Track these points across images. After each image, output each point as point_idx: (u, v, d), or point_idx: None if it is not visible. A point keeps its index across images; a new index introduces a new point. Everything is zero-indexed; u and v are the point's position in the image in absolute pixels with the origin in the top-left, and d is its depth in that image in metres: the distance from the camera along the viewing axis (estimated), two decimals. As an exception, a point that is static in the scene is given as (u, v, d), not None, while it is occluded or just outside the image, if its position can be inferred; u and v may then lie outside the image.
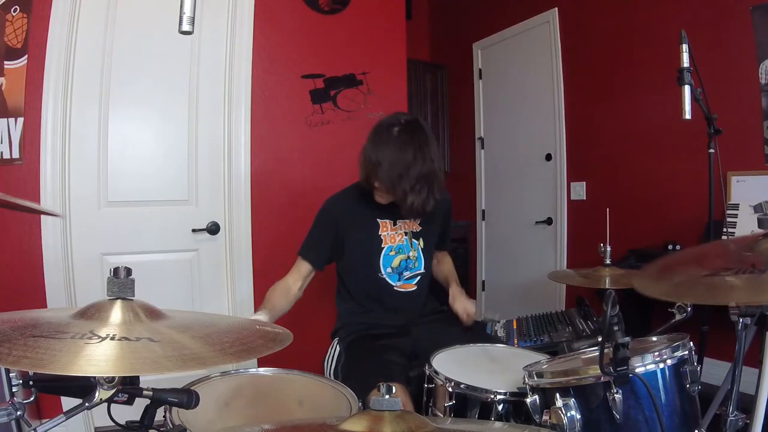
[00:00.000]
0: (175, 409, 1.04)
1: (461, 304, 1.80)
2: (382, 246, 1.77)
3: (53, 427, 0.76)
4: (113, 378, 0.77)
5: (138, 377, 0.78)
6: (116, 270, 0.82)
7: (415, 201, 1.62)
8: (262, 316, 1.55)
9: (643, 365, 1.00)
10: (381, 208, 1.77)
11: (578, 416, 1.00)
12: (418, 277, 1.81)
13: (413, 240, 1.81)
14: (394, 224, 1.79)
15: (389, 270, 1.77)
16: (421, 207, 1.64)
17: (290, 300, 1.74)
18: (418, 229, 1.83)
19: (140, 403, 0.81)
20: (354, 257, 1.80)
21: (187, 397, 0.84)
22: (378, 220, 1.78)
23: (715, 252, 1.19)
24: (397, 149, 1.61)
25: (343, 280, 1.88)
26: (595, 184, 3.50)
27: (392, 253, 1.78)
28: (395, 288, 1.78)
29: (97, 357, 0.67)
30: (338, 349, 1.76)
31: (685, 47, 1.79)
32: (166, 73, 2.41)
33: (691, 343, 1.08)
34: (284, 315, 2.42)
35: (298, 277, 1.77)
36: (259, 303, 2.53)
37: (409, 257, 1.80)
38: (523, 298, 3.98)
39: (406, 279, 1.80)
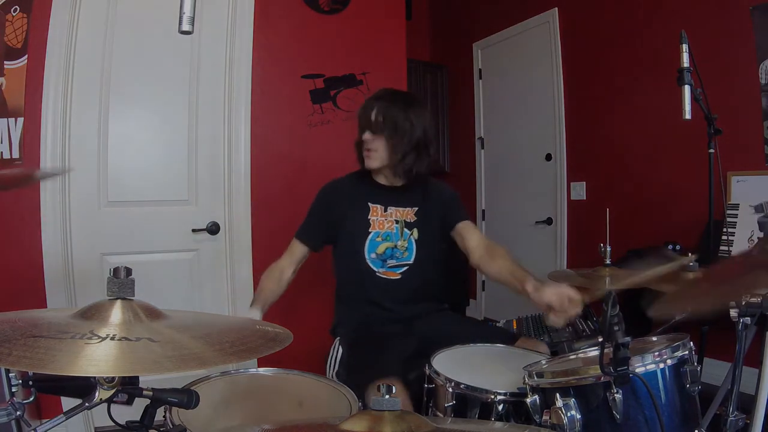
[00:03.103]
0: (175, 409, 1.04)
1: (549, 293, 1.32)
2: (369, 230, 1.76)
3: (53, 427, 0.76)
4: (113, 378, 0.77)
5: (138, 377, 0.78)
6: (116, 270, 0.82)
7: (405, 151, 1.70)
8: (255, 314, 1.60)
9: (643, 365, 1.00)
10: (374, 192, 1.78)
11: (578, 416, 1.00)
12: (405, 268, 1.78)
13: (405, 229, 1.79)
14: (385, 210, 1.78)
15: (373, 255, 1.76)
16: (410, 163, 1.72)
17: (283, 285, 1.77)
18: (413, 219, 1.80)
19: (140, 403, 0.81)
20: (344, 240, 1.81)
21: (187, 397, 0.84)
22: (369, 204, 1.78)
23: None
24: (390, 95, 1.77)
25: (335, 267, 1.89)
26: (595, 184, 3.50)
27: (378, 239, 1.76)
28: (377, 274, 1.76)
29: (97, 357, 0.67)
30: (340, 349, 1.76)
31: (685, 47, 1.79)
32: (166, 73, 2.41)
33: (691, 343, 1.08)
34: (284, 314, 2.44)
35: (291, 260, 1.79)
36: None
37: (396, 246, 1.77)
38: (524, 298, 3.97)
39: (389, 267, 1.77)
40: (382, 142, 1.71)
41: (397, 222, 1.79)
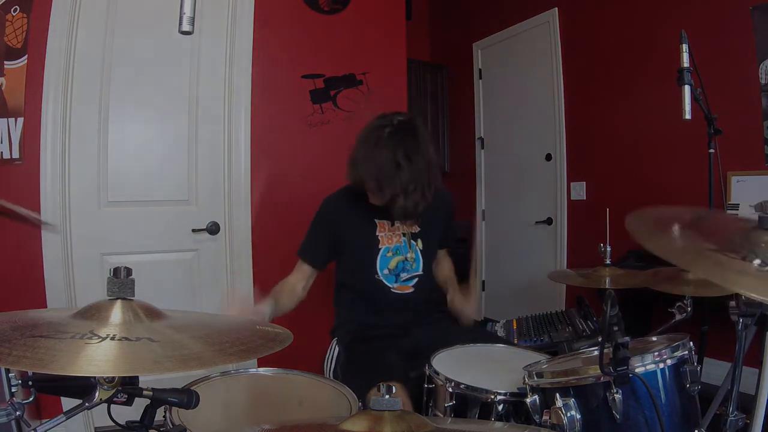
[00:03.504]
0: (175, 409, 1.04)
1: (459, 304, 1.82)
2: (379, 247, 1.75)
3: (53, 427, 0.76)
4: (113, 378, 0.77)
5: (137, 377, 0.78)
6: (116, 270, 0.82)
7: (406, 204, 1.61)
8: (266, 307, 1.56)
9: (643, 365, 1.00)
10: (378, 208, 1.75)
11: (578, 416, 1.00)
12: (416, 279, 1.78)
13: (411, 241, 1.79)
14: (392, 225, 1.77)
15: (386, 272, 1.75)
16: (413, 210, 1.64)
17: (294, 301, 1.74)
18: (417, 230, 1.80)
19: (140, 403, 0.81)
20: (351, 258, 1.79)
21: (187, 397, 0.84)
22: (375, 220, 1.77)
23: (713, 225, 1.17)
24: (386, 152, 1.58)
25: (340, 280, 1.87)
26: (595, 184, 3.50)
27: (389, 254, 1.76)
28: (392, 290, 1.76)
29: (97, 357, 0.67)
30: (337, 349, 1.76)
31: (685, 47, 1.79)
32: (166, 73, 2.41)
33: (691, 343, 1.08)
34: (284, 315, 2.43)
35: (301, 277, 1.77)
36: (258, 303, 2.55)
37: (406, 258, 1.77)
38: (523, 298, 3.98)
39: (403, 281, 1.77)
40: (380, 194, 1.65)
41: (404, 235, 1.78)
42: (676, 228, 1.02)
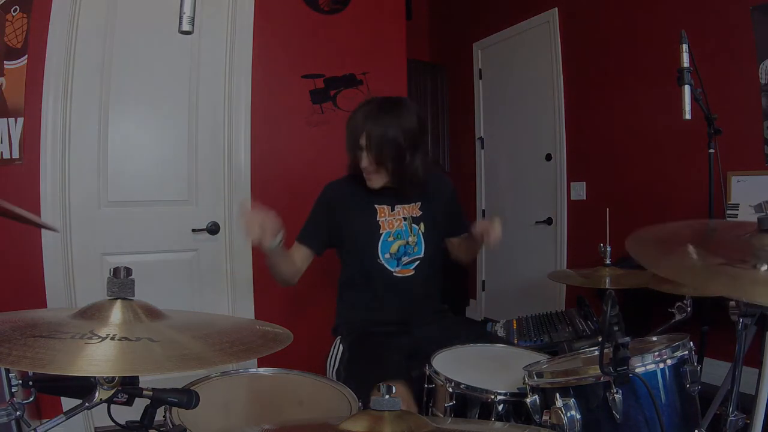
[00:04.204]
0: (175, 409, 1.04)
1: (483, 225, 1.70)
2: (380, 231, 1.77)
3: (53, 427, 0.76)
4: (113, 378, 0.77)
5: (137, 377, 0.78)
6: (116, 270, 0.82)
7: (403, 169, 1.69)
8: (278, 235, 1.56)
9: (643, 365, 1.00)
10: (378, 194, 1.78)
11: (578, 416, 1.00)
12: (417, 262, 1.80)
13: (413, 225, 1.80)
14: (392, 209, 1.79)
15: (387, 256, 1.77)
16: (411, 176, 1.71)
17: (292, 273, 1.75)
18: (419, 213, 1.82)
19: (140, 403, 0.81)
20: (352, 243, 1.81)
21: (187, 397, 0.84)
22: (376, 206, 1.79)
23: (719, 236, 1.16)
24: (376, 110, 1.70)
25: (343, 278, 1.88)
26: (595, 184, 3.50)
27: (390, 238, 1.77)
28: (394, 274, 1.77)
29: (97, 357, 0.67)
30: (341, 348, 1.76)
31: (685, 47, 1.79)
32: (166, 73, 2.41)
33: (691, 343, 1.08)
34: (285, 314, 2.43)
35: (296, 260, 1.78)
36: (259, 304, 2.55)
37: (408, 242, 1.79)
38: (523, 298, 3.98)
39: (404, 264, 1.79)
40: (374, 158, 1.69)
41: (405, 219, 1.80)
42: (691, 249, 1.01)
